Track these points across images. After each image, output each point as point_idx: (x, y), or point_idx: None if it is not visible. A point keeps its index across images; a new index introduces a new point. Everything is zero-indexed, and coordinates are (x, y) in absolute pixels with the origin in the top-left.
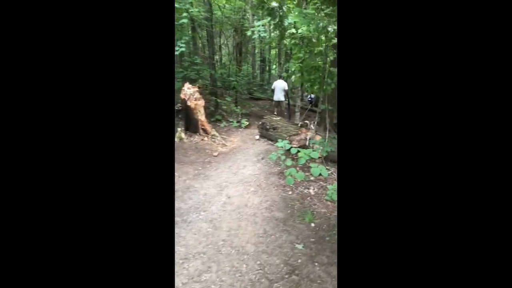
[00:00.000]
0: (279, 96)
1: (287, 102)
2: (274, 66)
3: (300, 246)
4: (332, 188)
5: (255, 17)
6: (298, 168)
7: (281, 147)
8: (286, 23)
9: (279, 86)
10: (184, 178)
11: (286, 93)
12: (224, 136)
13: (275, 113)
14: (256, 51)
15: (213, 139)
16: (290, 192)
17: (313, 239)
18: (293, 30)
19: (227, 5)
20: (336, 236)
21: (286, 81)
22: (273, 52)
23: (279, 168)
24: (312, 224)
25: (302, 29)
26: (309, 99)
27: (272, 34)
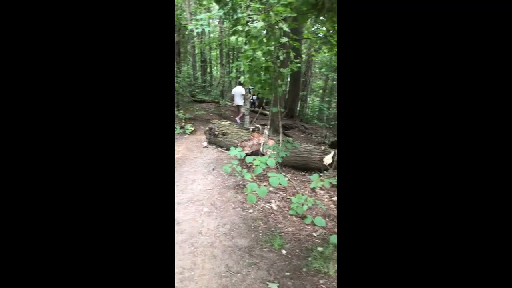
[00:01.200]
0: (238, 101)
1: (246, 106)
2: (215, 68)
3: (274, 286)
4: (296, 201)
5: (193, 16)
6: (257, 181)
7: (235, 156)
8: (239, 14)
9: (238, 92)
10: None
11: (245, 98)
12: None
13: (237, 117)
14: (196, 51)
15: None
16: (250, 210)
17: (288, 273)
18: (240, 28)
19: None
20: (313, 266)
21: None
22: (213, 53)
23: (234, 180)
24: (283, 251)
25: (249, 25)
26: (251, 100)
27: (212, 35)
